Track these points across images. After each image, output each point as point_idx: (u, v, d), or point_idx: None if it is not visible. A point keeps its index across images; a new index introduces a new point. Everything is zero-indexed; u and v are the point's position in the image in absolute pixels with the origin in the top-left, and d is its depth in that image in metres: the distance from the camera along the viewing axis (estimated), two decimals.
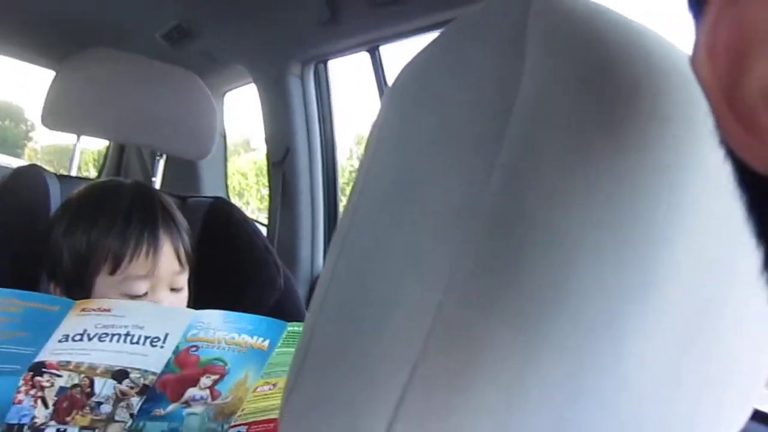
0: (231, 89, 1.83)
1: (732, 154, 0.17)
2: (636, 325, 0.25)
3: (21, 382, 0.49)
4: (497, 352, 0.23)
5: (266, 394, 0.57)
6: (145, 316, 0.52)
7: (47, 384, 0.50)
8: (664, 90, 0.24)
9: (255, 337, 0.55)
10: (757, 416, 0.64)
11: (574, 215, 0.23)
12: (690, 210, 0.25)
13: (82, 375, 0.51)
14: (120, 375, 0.52)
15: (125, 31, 1.77)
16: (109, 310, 0.51)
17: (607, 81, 0.23)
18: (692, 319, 0.28)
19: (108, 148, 2.18)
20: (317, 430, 0.25)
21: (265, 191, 1.57)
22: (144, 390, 0.52)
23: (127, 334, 0.51)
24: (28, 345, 0.49)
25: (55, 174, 0.94)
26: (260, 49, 1.52)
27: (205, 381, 0.54)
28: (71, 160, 1.33)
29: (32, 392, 0.50)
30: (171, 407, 0.54)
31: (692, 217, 0.26)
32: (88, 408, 0.52)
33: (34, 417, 0.50)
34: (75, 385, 0.51)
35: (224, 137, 1.87)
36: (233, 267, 0.88)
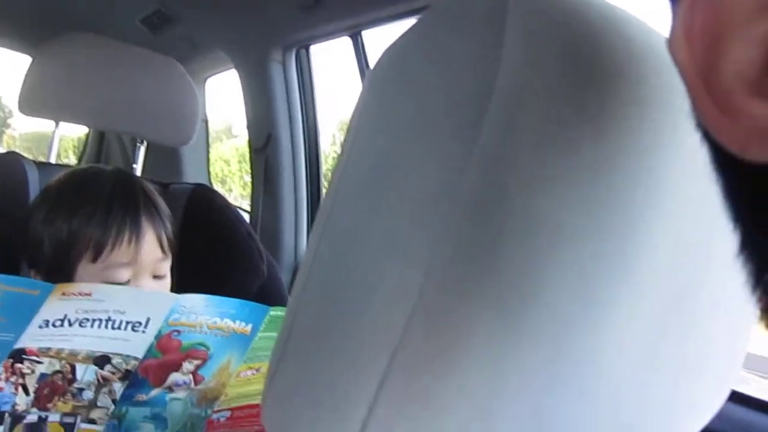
0: (212, 75, 1.81)
1: (708, 137, 0.17)
2: (613, 311, 0.26)
3: (1, 369, 0.49)
4: (476, 338, 0.23)
5: (249, 379, 0.57)
6: (127, 300, 0.52)
7: (28, 371, 0.50)
8: (643, 74, 0.24)
9: (237, 322, 0.55)
10: (735, 397, 0.66)
11: (553, 201, 0.23)
12: (668, 193, 0.26)
13: (63, 361, 0.51)
14: (102, 361, 0.51)
15: (103, 16, 1.74)
16: (89, 294, 0.50)
17: (586, 66, 0.23)
18: (669, 304, 0.28)
19: (88, 135, 2.15)
20: (299, 414, 0.25)
21: (248, 178, 1.56)
22: (126, 375, 0.52)
23: (108, 319, 0.51)
24: (8, 331, 0.48)
25: (34, 161, 0.92)
26: (241, 34, 1.50)
27: (188, 366, 0.54)
28: (50, 147, 1.31)
29: (12, 379, 0.49)
30: (154, 392, 0.54)
31: (670, 201, 0.26)
32: (69, 394, 0.51)
33: (15, 404, 0.50)
34: (56, 372, 0.51)
35: (206, 123, 1.85)
36: (216, 254, 0.88)
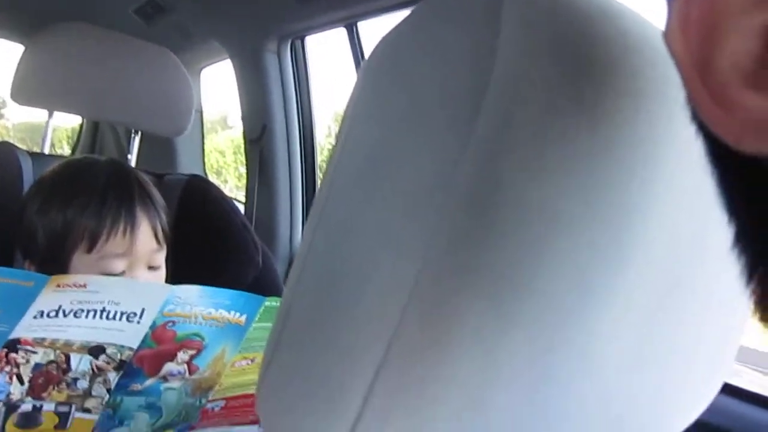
0: (207, 65, 1.80)
1: (704, 129, 0.17)
2: (607, 303, 0.26)
3: None
4: (469, 328, 0.23)
5: (244, 369, 0.58)
6: (121, 291, 0.52)
7: (22, 360, 0.50)
8: (639, 66, 0.24)
9: (232, 312, 0.55)
10: (727, 390, 0.66)
11: (548, 192, 0.23)
12: (663, 185, 0.26)
13: (58, 351, 0.50)
14: (96, 351, 0.51)
15: (96, 6, 1.73)
16: (84, 286, 0.50)
17: (582, 58, 0.23)
18: (663, 295, 0.28)
19: (82, 125, 2.14)
20: (294, 404, 0.25)
21: (244, 169, 1.56)
22: (121, 365, 0.52)
23: (103, 310, 0.51)
24: (2, 321, 0.48)
25: (28, 151, 0.92)
26: (236, 24, 1.49)
27: (183, 356, 0.54)
28: (44, 137, 1.30)
29: (7, 369, 0.49)
30: (148, 382, 0.54)
31: (666, 192, 0.26)
32: (64, 384, 0.51)
33: (9, 393, 0.50)
34: (51, 362, 0.51)
35: (201, 114, 1.84)
36: (211, 245, 0.88)
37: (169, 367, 0.54)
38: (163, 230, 0.75)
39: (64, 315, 0.50)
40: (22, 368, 0.50)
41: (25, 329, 0.49)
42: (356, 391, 0.24)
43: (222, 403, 0.59)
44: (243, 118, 1.52)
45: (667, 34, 0.16)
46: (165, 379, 0.54)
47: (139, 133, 1.25)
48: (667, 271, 0.28)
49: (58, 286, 0.50)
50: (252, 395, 0.61)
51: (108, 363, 0.52)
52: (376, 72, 0.26)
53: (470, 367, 0.24)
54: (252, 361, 0.57)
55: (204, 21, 1.61)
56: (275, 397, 0.26)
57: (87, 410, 0.53)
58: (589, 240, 0.24)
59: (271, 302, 0.57)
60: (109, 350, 0.52)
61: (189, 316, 0.53)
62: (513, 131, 0.22)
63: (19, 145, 0.94)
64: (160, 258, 0.75)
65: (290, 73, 1.46)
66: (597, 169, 0.24)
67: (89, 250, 0.69)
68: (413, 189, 0.24)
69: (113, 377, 0.52)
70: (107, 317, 0.51)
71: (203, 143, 1.88)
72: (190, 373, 0.55)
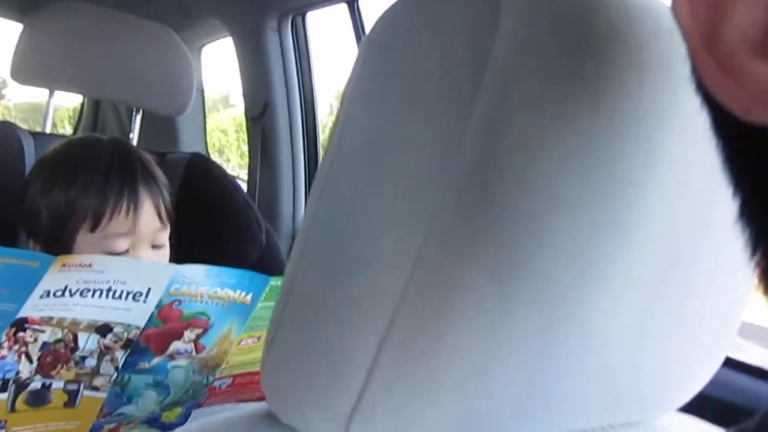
0: (207, 43, 1.79)
1: (709, 101, 0.17)
2: (608, 279, 0.26)
3: (3, 338, 0.49)
4: (472, 302, 0.23)
5: (250, 347, 0.58)
6: (127, 271, 0.52)
7: (30, 339, 0.50)
8: (642, 40, 0.24)
9: (238, 291, 0.55)
10: (730, 364, 0.67)
11: (549, 168, 0.23)
12: (667, 159, 0.26)
13: (66, 330, 0.51)
14: (103, 330, 0.52)
15: None
16: (90, 266, 0.51)
17: (584, 31, 0.23)
18: (664, 272, 0.28)
19: (83, 104, 2.13)
20: (297, 379, 0.25)
21: (246, 148, 1.55)
22: (128, 344, 0.53)
23: (109, 290, 0.51)
24: (8, 301, 0.48)
25: (29, 131, 0.92)
26: (236, 1, 1.48)
27: (189, 335, 0.54)
28: (45, 116, 1.30)
29: (15, 348, 0.50)
30: (155, 360, 0.54)
31: (669, 167, 0.26)
32: (72, 362, 0.52)
33: (18, 372, 0.51)
34: (58, 340, 0.51)
35: (202, 93, 1.83)
36: (213, 223, 0.88)
37: (176, 345, 0.54)
38: (166, 209, 0.75)
39: (71, 294, 0.50)
40: (30, 347, 0.50)
41: (32, 308, 0.49)
42: (360, 364, 0.24)
43: (229, 381, 0.60)
44: (244, 96, 1.51)
45: (674, 5, 0.16)
46: (172, 357, 0.55)
47: (141, 111, 1.24)
48: (669, 246, 0.28)
49: (64, 266, 0.50)
50: (258, 373, 0.61)
51: (115, 342, 0.52)
52: (376, 49, 0.25)
53: (472, 340, 0.24)
54: (258, 339, 0.58)
55: None
56: (279, 372, 0.26)
57: (95, 388, 0.54)
58: (590, 217, 0.24)
59: (277, 281, 0.57)
60: (116, 329, 0.52)
61: (195, 295, 0.53)
62: (512, 106, 0.22)
63: (21, 125, 0.93)
64: (164, 237, 0.75)
65: (291, 50, 1.45)
66: (598, 144, 0.24)
67: (93, 229, 0.69)
68: (414, 165, 0.23)
69: (121, 356, 0.53)
70: (113, 296, 0.51)
71: (205, 122, 1.87)
72: (197, 352, 0.55)
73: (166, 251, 0.75)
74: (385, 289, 0.23)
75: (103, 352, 0.52)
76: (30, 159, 0.86)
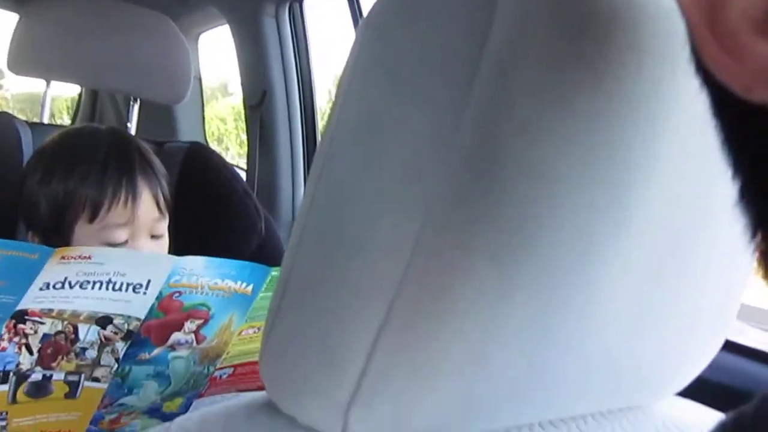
0: (204, 31, 1.78)
1: (710, 82, 0.17)
2: (607, 262, 0.26)
3: (3, 329, 0.49)
4: (471, 286, 0.23)
5: (251, 338, 0.58)
6: (127, 263, 0.52)
7: (30, 331, 0.50)
8: (642, 22, 0.24)
9: (239, 282, 0.55)
10: (729, 347, 0.67)
11: (548, 150, 0.23)
12: (666, 142, 0.26)
13: (66, 322, 0.51)
14: (103, 321, 0.52)
15: None
16: (89, 258, 0.51)
17: (584, 13, 0.23)
18: (664, 255, 0.28)
19: (80, 94, 2.12)
20: (296, 366, 0.25)
21: (245, 136, 1.55)
22: (128, 335, 0.53)
23: (109, 281, 0.51)
24: (8, 293, 0.49)
25: (27, 122, 0.91)
26: None
27: (190, 325, 0.54)
28: (42, 106, 1.29)
29: (16, 339, 0.50)
30: (156, 351, 0.54)
31: (668, 150, 0.26)
32: (73, 354, 0.52)
33: (19, 363, 0.51)
34: (59, 332, 0.51)
35: (200, 81, 1.82)
36: (213, 212, 0.88)
37: (176, 336, 0.54)
38: (165, 199, 0.75)
39: (71, 286, 0.50)
40: (30, 339, 0.50)
41: (31, 301, 0.49)
42: (359, 350, 0.24)
43: (230, 371, 0.60)
44: (242, 84, 1.51)
45: None
46: (173, 348, 0.55)
47: (138, 101, 1.24)
48: (668, 230, 0.28)
49: (63, 258, 0.50)
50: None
51: (115, 333, 0.53)
52: (373, 33, 0.25)
53: (471, 325, 0.24)
54: (259, 329, 0.58)
55: None
56: (278, 361, 0.26)
57: (96, 379, 0.54)
58: (589, 200, 0.24)
59: (277, 271, 0.57)
60: (116, 320, 0.52)
61: (195, 286, 0.53)
62: (511, 88, 0.22)
63: (19, 116, 0.93)
64: (163, 227, 0.75)
65: (289, 37, 1.44)
66: (598, 127, 0.23)
67: (91, 220, 0.69)
68: (413, 149, 0.23)
69: (121, 347, 0.53)
70: (113, 288, 0.51)
71: (203, 110, 1.86)
72: (197, 342, 0.55)
73: (165, 241, 0.75)
74: (383, 274, 0.23)
75: (104, 343, 0.53)
76: (28, 150, 0.86)
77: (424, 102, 0.23)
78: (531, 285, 0.24)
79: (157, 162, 0.77)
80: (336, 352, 0.24)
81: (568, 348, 0.27)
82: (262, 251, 0.86)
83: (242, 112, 1.54)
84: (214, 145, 2.29)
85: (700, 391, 0.37)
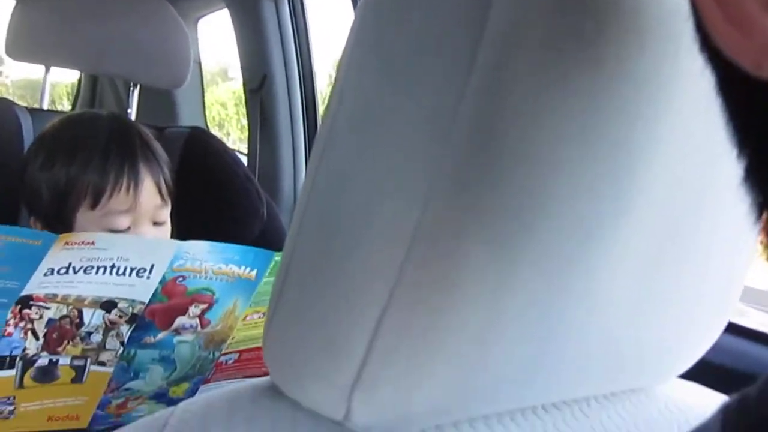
0: (204, 15, 1.76)
1: (715, 59, 0.16)
2: (608, 245, 0.26)
3: (9, 315, 0.49)
4: (472, 270, 0.23)
5: (256, 323, 0.58)
6: (130, 248, 0.53)
7: (36, 316, 0.50)
8: (644, 1, 0.23)
9: (242, 267, 0.55)
10: (732, 329, 0.67)
11: (549, 130, 0.23)
12: (668, 125, 0.25)
13: (70, 306, 0.51)
14: (108, 305, 0.52)
15: None
16: (92, 243, 0.51)
17: None
18: (665, 239, 0.28)
19: (80, 80, 2.11)
20: (297, 352, 0.26)
21: (246, 121, 1.54)
22: (133, 319, 0.53)
23: (112, 266, 0.51)
24: (12, 279, 0.49)
25: (27, 108, 0.91)
26: None
27: (194, 310, 0.55)
28: (42, 92, 1.29)
29: (21, 325, 0.50)
30: (161, 335, 0.55)
31: (670, 133, 0.26)
32: (78, 338, 0.53)
33: (25, 348, 0.51)
34: (64, 317, 0.51)
35: (200, 66, 1.81)
36: (214, 198, 0.88)
37: (180, 320, 0.54)
38: (167, 186, 0.75)
39: (75, 272, 0.51)
40: (35, 324, 0.51)
41: (36, 286, 0.50)
42: (361, 335, 0.24)
43: (235, 356, 0.60)
44: (242, 68, 1.50)
45: None
46: (177, 332, 0.55)
47: (138, 86, 1.23)
48: (670, 212, 0.28)
49: (67, 243, 0.50)
50: None
51: (120, 317, 0.53)
52: (371, 14, 0.25)
53: (472, 310, 0.24)
54: (263, 315, 0.58)
55: None
56: (280, 345, 0.26)
57: (102, 363, 0.54)
58: (590, 183, 0.24)
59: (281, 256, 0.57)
60: (120, 304, 0.52)
61: (199, 271, 0.53)
62: (511, 70, 0.22)
63: (20, 102, 0.93)
64: (165, 214, 0.75)
65: (288, 19, 1.43)
66: (598, 108, 0.23)
67: (93, 206, 0.69)
68: (411, 135, 0.23)
69: (126, 330, 0.53)
70: (117, 273, 0.52)
71: (203, 95, 1.86)
72: (202, 327, 0.56)
73: (167, 228, 0.75)
74: (384, 260, 0.23)
75: (109, 327, 0.53)
76: (28, 136, 0.86)
77: (421, 88, 0.23)
78: (531, 270, 0.24)
79: (159, 148, 0.77)
80: (338, 336, 0.24)
81: (569, 332, 0.27)
82: (264, 236, 0.86)
83: (243, 96, 1.54)
84: (215, 131, 2.28)
85: (703, 373, 0.37)
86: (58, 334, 0.52)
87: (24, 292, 0.49)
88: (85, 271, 0.51)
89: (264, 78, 1.41)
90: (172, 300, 0.54)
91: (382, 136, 0.24)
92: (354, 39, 0.25)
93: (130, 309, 0.53)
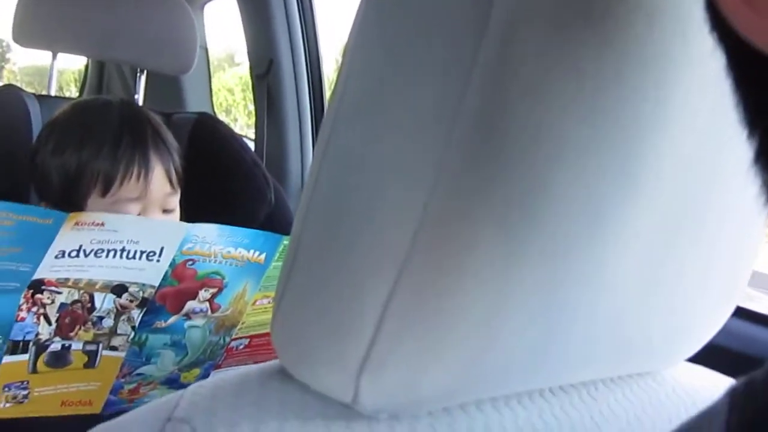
0: (210, 0, 1.76)
1: (727, 38, 0.16)
2: (616, 229, 0.26)
3: (21, 299, 0.50)
4: (480, 253, 0.23)
5: (266, 308, 0.59)
6: (139, 230, 0.53)
7: (48, 301, 0.51)
8: None
9: (252, 251, 0.55)
10: (740, 313, 0.67)
11: (556, 112, 0.22)
12: (677, 106, 0.25)
13: (82, 291, 0.52)
14: (119, 289, 0.53)
15: None
16: (102, 224, 0.51)
17: None
18: (674, 220, 0.28)
19: (87, 66, 2.11)
20: (306, 335, 0.26)
21: (253, 107, 1.54)
22: (144, 303, 0.53)
23: (122, 249, 0.52)
24: (23, 261, 0.49)
25: (34, 94, 0.91)
26: None
27: (204, 294, 0.55)
28: (49, 79, 1.29)
29: (34, 309, 0.51)
30: (172, 319, 0.55)
31: (679, 114, 0.26)
32: (90, 323, 0.53)
33: (38, 333, 0.52)
34: (75, 301, 0.52)
35: (206, 51, 1.81)
36: (222, 183, 0.88)
37: (191, 305, 0.55)
38: (176, 173, 0.75)
39: (85, 255, 0.51)
40: (48, 308, 0.51)
41: (48, 270, 0.50)
42: (369, 318, 0.24)
43: (246, 342, 0.61)
44: (249, 53, 1.49)
45: None
46: (188, 316, 0.55)
47: (145, 72, 1.23)
48: (679, 195, 0.28)
49: (77, 224, 0.50)
50: None
51: (131, 301, 0.53)
52: None
53: (480, 292, 0.24)
54: (272, 299, 0.58)
55: None
56: (289, 327, 0.27)
57: (114, 348, 0.55)
58: (597, 165, 0.24)
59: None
60: (131, 288, 0.53)
61: (209, 254, 0.54)
62: (518, 50, 0.22)
63: (27, 89, 0.93)
64: (174, 201, 0.75)
65: (295, 3, 1.42)
66: (606, 89, 0.23)
67: (104, 194, 0.70)
68: (419, 117, 0.23)
69: (137, 314, 0.54)
70: (127, 256, 0.52)
71: (210, 81, 1.85)
72: (212, 311, 0.56)
73: (176, 215, 0.76)
74: (392, 242, 0.23)
75: (120, 311, 0.53)
76: (36, 122, 0.86)
77: (427, 71, 0.23)
78: (539, 252, 0.24)
79: (169, 136, 0.77)
80: (346, 319, 0.25)
81: (576, 314, 0.27)
82: (271, 221, 0.86)
83: (249, 82, 1.53)
84: (222, 116, 2.28)
85: (711, 357, 0.37)
86: (70, 319, 0.52)
87: (36, 276, 0.50)
88: (95, 254, 0.51)
89: (271, 63, 1.40)
90: (182, 284, 0.54)
91: (389, 121, 0.24)
92: (359, 21, 0.25)
93: (141, 293, 0.53)
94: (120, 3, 1.06)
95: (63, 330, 0.52)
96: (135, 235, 0.52)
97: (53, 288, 0.51)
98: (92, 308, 0.53)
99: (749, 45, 0.15)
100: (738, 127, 0.17)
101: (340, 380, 0.25)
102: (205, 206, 0.80)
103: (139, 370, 0.57)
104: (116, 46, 1.07)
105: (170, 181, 0.74)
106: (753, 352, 0.71)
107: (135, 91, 1.26)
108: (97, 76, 2.00)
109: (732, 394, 0.19)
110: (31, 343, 0.52)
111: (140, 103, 1.24)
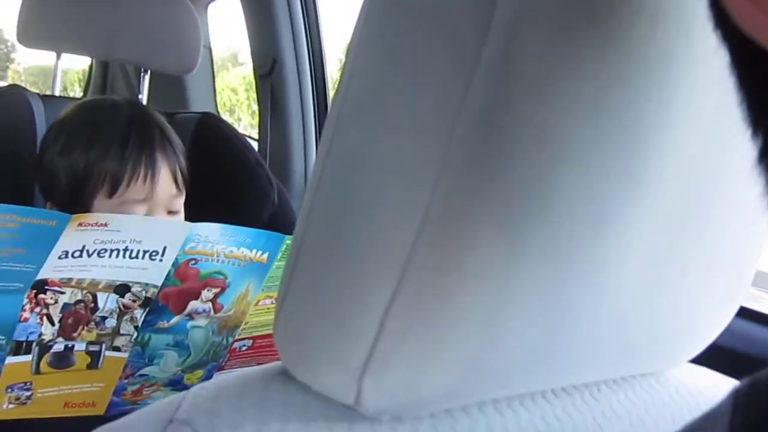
0: (213, 0, 1.76)
1: (731, 36, 0.16)
2: (619, 228, 0.26)
3: (25, 300, 0.50)
4: (482, 252, 0.23)
5: (268, 308, 0.59)
6: (142, 229, 0.53)
7: (51, 301, 0.51)
8: None
9: (254, 251, 0.55)
10: (744, 314, 0.67)
11: (559, 112, 0.22)
12: (680, 106, 0.25)
13: (85, 291, 0.52)
14: (122, 289, 0.53)
15: None
16: (106, 225, 0.51)
17: None
18: (676, 221, 0.28)
19: (91, 66, 2.12)
20: (308, 335, 0.26)
21: (256, 106, 1.54)
22: (146, 302, 0.54)
23: (125, 249, 0.52)
24: (27, 262, 0.49)
25: (39, 94, 0.92)
26: None
27: (207, 294, 0.55)
28: (54, 79, 1.29)
29: (37, 310, 0.51)
30: (174, 319, 0.55)
31: (682, 114, 0.25)
32: (93, 323, 0.53)
33: (41, 334, 0.52)
34: (78, 301, 0.52)
35: (210, 51, 1.81)
36: (225, 183, 0.88)
37: (194, 305, 0.55)
38: (182, 175, 0.75)
39: (89, 255, 0.51)
40: (51, 308, 0.51)
41: (51, 270, 0.50)
42: (371, 318, 0.24)
43: (249, 343, 0.61)
44: (252, 53, 1.49)
45: None
46: (191, 317, 0.56)
47: (149, 72, 1.23)
48: (682, 195, 0.28)
49: (80, 224, 0.50)
50: None
51: (134, 301, 0.53)
52: None
53: (482, 292, 0.24)
54: (275, 300, 0.58)
55: None
56: (291, 328, 0.27)
57: (117, 348, 0.55)
58: (600, 165, 0.24)
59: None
60: (134, 288, 0.53)
61: (211, 254, 0.54)
62: (521, 49, 0.22)
63: (31, 89, 0.93)
64: (180, 203, 0.75)
65: (298, 4, 1.42)
66: (609, 89, 0.23)
67: (110, 195, 0.70)
68: (421, 116, 0.23)
69: (140, 314, 0.54)
70: (130, 256, 0.52)
71: (214, 81, 1.85)
72: (215, 311, 0.56)
73: (181, 216, 0.76)
74: (393, 242, 0.23)
75: (123, 311, 0.53)
76: (40, 122, 0.86)
77: (431, 69, 0.23)
78: (541, 252, 0.24)
79: (175, 137, 0.77)
80: (348, 320, 0.25)
81: (580, 316, 0.27)
82: (274, 221, 0.86)
83: (253, 81, 1.53)
84: (225, 116, 2.28)
85: (714, 358, 0.37)
86: (73, 319, 0.52)
87: (39, 276, 0.50)
88: (98, 254, 0.51)
89: (274, 63, 1.41)
90: (185, 283, 0.54)
91: (391, 120, 0.24)
92: (362, 20, 0.25)
93: (144, 293, 0.53)
94: (124, 3, 1.07)
95: (66, 330, 0.53)
96: (138, 234, 0.52)
97: (56, 288, 0.51)
98: (95, 308, 0.53)
99: (753, 42, 0.15)
100: (741, 125, 0.17)
101: (343, 381, 0.25)
102: (209, 206, 0.80)
103: (142, 371, 0.57)
104: (120, 46, 1.07)
105: (176, 182, 0.74)
106: (757, 353, 0.70)
107: (139, 91, 1.26)
108: (101, 76, 2.00)
109: (735, 396, 0.19)
110: (34, 344, 0.52)
111: (144, 102, 1.24)
